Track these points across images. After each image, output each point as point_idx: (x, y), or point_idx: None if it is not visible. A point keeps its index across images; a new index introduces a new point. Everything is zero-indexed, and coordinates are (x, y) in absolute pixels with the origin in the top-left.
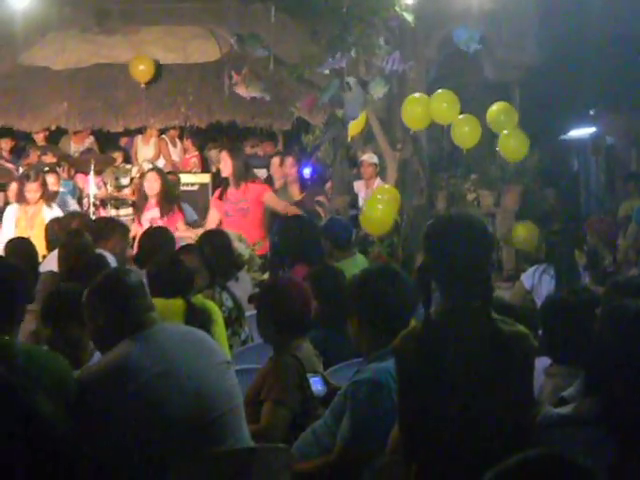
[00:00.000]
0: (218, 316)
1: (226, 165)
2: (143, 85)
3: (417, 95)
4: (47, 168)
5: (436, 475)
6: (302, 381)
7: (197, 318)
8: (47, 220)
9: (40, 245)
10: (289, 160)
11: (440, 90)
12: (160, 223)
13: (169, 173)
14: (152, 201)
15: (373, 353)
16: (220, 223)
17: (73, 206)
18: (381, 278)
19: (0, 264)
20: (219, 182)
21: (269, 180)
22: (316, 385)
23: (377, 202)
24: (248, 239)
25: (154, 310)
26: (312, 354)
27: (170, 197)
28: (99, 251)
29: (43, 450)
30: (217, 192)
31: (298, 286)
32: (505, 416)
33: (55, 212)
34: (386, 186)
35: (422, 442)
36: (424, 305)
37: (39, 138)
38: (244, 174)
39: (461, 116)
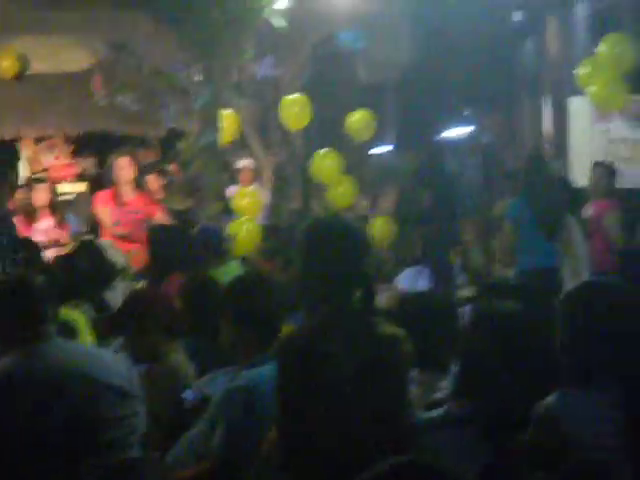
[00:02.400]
0: (83, 327)
1: (127, 171)
2: (9, 79)
3: (294, 96)
4: None
5: None
6: (174, 391)
7: (61, 330)
8: None
9: None
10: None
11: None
12: (56, 233)
13: (37, 181)
14: (42, 212)
15: (246, 360)
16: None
17: None
18: (253, 285)
19: None
20: (97, 190)
21: None
22: (189, 396)
23: (241, 223)
24: (131, 249)
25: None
26: (185, 363)
27: (59, 208)
28: None
29: None
30: (106, 197)
31: (160, 294)
32: (381, 420)
33: None
34: (248, 192)
35: (299, 447)
36: (308, 309)
37: None
38: (141, 183)
39: (322, 151)
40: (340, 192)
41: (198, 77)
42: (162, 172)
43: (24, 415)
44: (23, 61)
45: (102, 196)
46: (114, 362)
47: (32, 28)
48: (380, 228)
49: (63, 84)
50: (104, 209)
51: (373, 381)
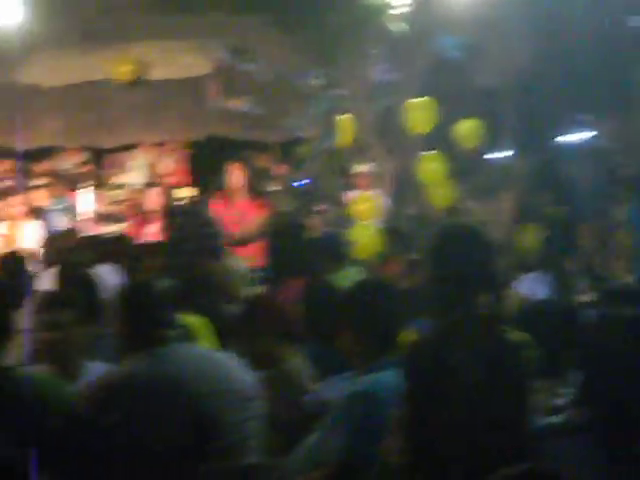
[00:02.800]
0: (205, 334)
1: (238, 177)
2: (127, 84)
3: (420, 100)
4: (36, 184)
5: None
6: (293, 396)
7: (180, 335)
8: (27, 236)
9: None
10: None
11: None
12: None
13: (151, 185)
14: (152, 216)
15: (365, 366)
16: None
17: (60, 223)
18: (373, 290)
19: None
20: (212, 195)
21: None
22: (309, 400)
23: (361, 228)
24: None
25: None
26: (303, 368)
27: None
28: (102, 268)
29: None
30: (218, 201)
31: (278, 299)
32: (504, 427)
33: (37, 229)
34: (366, 197)
35: (425, 454)
36: (436, 314)
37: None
38: (252, 188)
39: (428, 153)
40: (441, 194)
41: (318, 82)
42: (274, 176)
43: (144, 418)
44: (140, 66)
45: (214, 201)
46: (234, 367)
47: (150, 33)
48: (530, 235)
49: (181, 90)
50: (215, 214)
51: (499, 388)
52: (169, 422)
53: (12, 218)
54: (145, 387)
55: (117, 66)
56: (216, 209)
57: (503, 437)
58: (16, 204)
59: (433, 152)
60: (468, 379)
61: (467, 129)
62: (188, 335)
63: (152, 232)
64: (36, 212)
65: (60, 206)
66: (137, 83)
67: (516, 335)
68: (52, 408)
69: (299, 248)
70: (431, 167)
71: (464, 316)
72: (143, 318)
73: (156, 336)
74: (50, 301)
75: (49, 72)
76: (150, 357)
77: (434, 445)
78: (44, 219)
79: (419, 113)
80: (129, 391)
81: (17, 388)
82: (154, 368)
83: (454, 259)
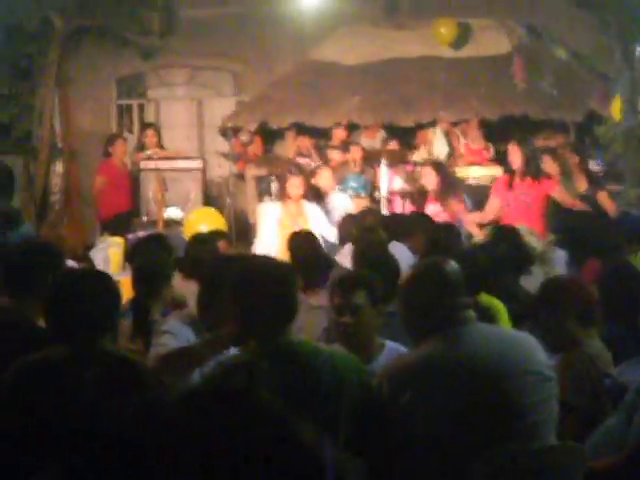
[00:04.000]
0: (503, 315)
1: (515, 157)
2: (446, 47)
3: None
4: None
5: None
6: (593, 379)
7: (480, 316)
8: (310, 218)
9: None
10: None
11: None
12: (443, 217)
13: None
14: (431, 195)
15: None
16: (499, 212)
17: (358, 201)
18: None
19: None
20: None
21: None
22: (608, 384)
23: None
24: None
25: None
26: (603, 351)
27: (448, 190)
28: (397, 246)
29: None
30: (504, 179)
31: (577, 280)
32: None
33: (316, 211)
34: None
35: None
36: None
37: (339, 134)
38: (532, 169)
39: None
40: None
41: (619, 61)
42: (557, 155)
43: (443, 399)
44: (462, 28)
45: (499, 181)
46: (533, 347)
47: (450, 12)
48: None
49: (483, 68)
50: (494, 196)
51: None
52: (468, 403)
53: (290, 199)
54: (444, 368)
55: (439, 27)
56: (498, 190)
57: None
58: (295, 185)
59: None
60: None
61: None
62: (488, 316)
63: (431, 212)
64: (329, 189)
65: (357, 184)
66: (454, 46)
67: None
68: (349, 389)
69: (598, 228)
70: None
71: None
72: (437, 299)
73: (453, 317)
74: (346, 283)
75: (346, 50)
76: (448, 338)
77: None
78: (337, 197)
79: None
80: (428, 372)
81: (313, 364)
82: (453, 349)
83: None
